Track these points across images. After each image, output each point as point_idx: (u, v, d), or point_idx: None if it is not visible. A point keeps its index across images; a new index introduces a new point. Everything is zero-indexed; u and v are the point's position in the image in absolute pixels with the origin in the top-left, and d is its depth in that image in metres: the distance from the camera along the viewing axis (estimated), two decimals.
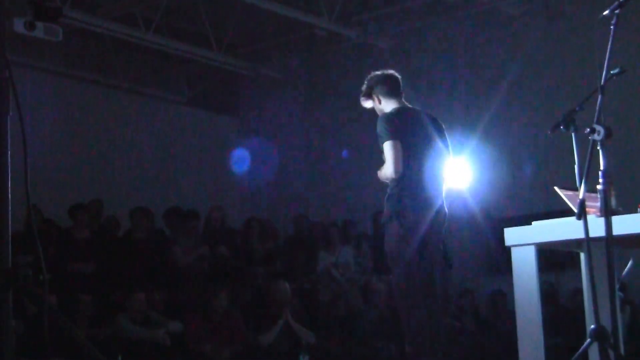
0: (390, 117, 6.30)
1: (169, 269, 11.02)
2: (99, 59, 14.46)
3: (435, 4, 13.11)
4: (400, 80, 6.49)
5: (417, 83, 6.72)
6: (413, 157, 6.19)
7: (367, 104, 6.56)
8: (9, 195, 3.54)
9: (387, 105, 6.41)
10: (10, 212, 3.53)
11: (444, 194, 6.35)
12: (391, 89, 6.44)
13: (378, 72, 6.51)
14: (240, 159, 14.82)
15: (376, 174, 6.32)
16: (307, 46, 14.59)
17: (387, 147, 6.14)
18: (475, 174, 9.79)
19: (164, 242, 11.49)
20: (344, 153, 13.56)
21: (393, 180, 6.19)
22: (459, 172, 9.07)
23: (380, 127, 6.22)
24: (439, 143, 6.36)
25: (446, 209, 6.32)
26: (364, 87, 6.52)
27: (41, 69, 13.48)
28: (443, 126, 6.50)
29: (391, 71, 6.54)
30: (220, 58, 14.29)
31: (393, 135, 6.13)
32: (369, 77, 6.53)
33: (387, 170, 6.16)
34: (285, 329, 10.02)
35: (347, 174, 13.66)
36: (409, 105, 6.47)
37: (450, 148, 6.47)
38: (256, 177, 15.46)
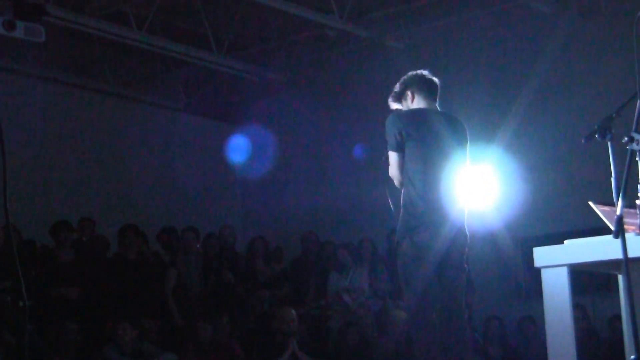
0: (401, 117, 6.37)
1: (162, 295, 11.01)
2: (86, 62, 14.50)
3: (452, 1, 13.11)
4: (439, 87, 6.54)
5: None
6: (428, 167, 6.21)
7: (395, 105, 6.58)
8: None
9: (417, 106, 6.45)
10: None
11: (464, 209, 6.34)
12: (427, 90, 6.50)
13: (417, 72, 6.58)
14: (238, 150, 14.90)
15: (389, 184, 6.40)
16: (316, 47, 14.59)
17: (390, 157, 6.37)
18: (498, 188, 9.76)
19: (157, 265, 11.49)
20: (356, 150, 13.52)
21: (404, 193, 6.24)
22: (481, 187, 9.05)
23: (387, 130, 6.34)
24: (457, 152, 6.35)
25: (466, 226, 6.30)
26: (397, 87, 6.55)
27: (22, 73, 13.52)
28: (466, 132, 6.50)
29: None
30: (220, 61, 14.30)
31: (396, 147, 6.28)
32: (405, 76, 6.57)
33: (392, 174, 6.37)
34: None
35: (359, 186, 13.62)
36: (437, 109, 6.48)
37: (467, 157, 6.47)
38: (259, 191, 15.48)
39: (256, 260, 12.22)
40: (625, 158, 4.20)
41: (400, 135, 6.22)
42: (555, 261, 5.20)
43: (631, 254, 4.19)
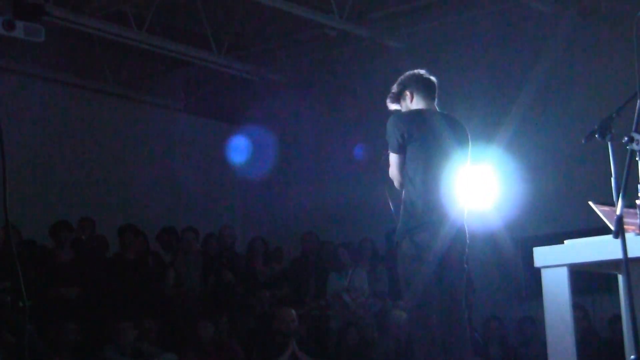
0: (403, 119, 6.33)
1: (162, 295, 11.01)
2: (86, 62, 14.48)
3: (452, 1, 13.11)
4: (437, 86, 6.52)
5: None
6: (428, 167, 6.19)
7: (394, 106, 6.56)
8: None
9: (416, 106, 6.43)
10: None
11: (464, 209, 6.33)
12: (426, 90, 6.47)
13: (414, 71, 6.55)
14: (238, 150, 14.89)
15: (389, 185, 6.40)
16: (316, 47, 14.59)
17: (390, 158, 6.33)
18: (498, 188, 9.75)
19: (157, 265, 11.49)
20: (356, 150, 13.52)
21: (404, 193, 6.23)
22: (481, 187, 9.05)
23: (389, 131, 6.29)
24: (458, 152, 6.34)
25: (466, 226, 6.30)
26: (394, 87, 6.52)
27: (22, 73, 13.51)
28: (467, 133, 6.49)
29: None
30: (220, 61, 14.28)
31: (398, 149, 6.24)
32: (402, 76, 6.54)
33: (391, 175, 6.34)
34: None
35: (359, 186, 13.62)
36: (437, 110, 6.47)
37: (469, 158, 6.46)
38: (259, 191, 15.47)
39: (256, 260, 12.21)
40: (625, 158, 4.19)
41: (402, 137, 6.19)
42: (555, 261, 5.20)
43: (631, 254, 4.18)
